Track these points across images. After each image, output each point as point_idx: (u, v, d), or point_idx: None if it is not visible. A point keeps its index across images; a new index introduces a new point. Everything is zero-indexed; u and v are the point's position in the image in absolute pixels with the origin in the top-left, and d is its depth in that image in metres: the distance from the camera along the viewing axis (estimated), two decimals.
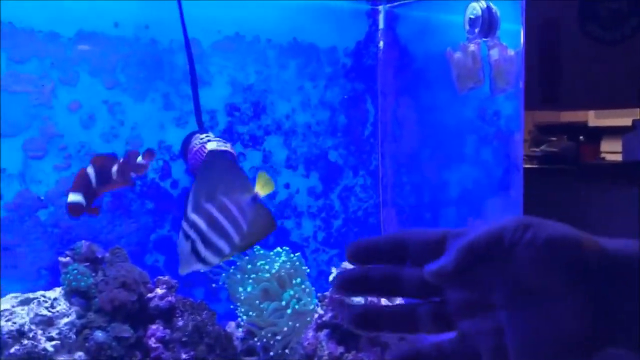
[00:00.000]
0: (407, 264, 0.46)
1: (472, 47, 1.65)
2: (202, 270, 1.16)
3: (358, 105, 1.94)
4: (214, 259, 1.10)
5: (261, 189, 1.16)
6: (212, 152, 1.16)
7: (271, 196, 1.82)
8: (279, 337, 1.44)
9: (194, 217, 1.07)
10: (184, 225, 1.06)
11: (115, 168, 1.35)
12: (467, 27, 1.63)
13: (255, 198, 1.14)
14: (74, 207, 1.30)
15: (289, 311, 1.45)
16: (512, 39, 1.60)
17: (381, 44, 1.99)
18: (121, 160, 1.37)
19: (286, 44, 1.81)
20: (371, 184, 1.97)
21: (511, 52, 1.62)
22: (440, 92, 1.94)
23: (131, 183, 1.43)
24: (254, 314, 1.46)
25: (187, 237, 1.07)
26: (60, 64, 1.51)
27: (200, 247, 1.08)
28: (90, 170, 1.32)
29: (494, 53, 1.63)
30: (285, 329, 1.44)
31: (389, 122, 1.99)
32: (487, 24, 1.60)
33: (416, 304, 0.45)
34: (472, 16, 1.62)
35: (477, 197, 1.96)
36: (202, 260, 1.09)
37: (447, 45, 1.70)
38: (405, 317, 0.45)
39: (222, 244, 1.09)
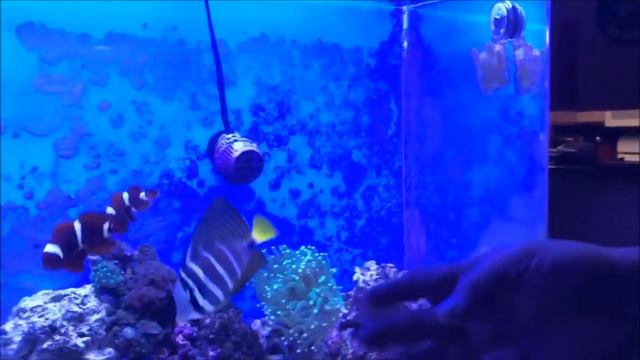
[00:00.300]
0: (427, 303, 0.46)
1: (497, 47, 1.65)
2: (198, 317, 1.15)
3: (382, 105, 1.95)
4: (210, 308, 1.08)
5: (259, 235, 1.12)
6: (218, 199, 1.13)
7: (295, 195, 1.83)
8: (305, 335, 1.44)
9: (192, 265, 1.05)
10: (182, 274, 1.05)
11: (106, 226, 1.27)
12: (493, 28, 1.63)
13: (252, 244, 1.11)
14: (48, 259, 1.20)
15: (315, 310, 1.45)
16: (536, 39, 1.60)
17: (405, 44, 2.00)
18: (113, 217, 1.29)
19: (311, 45, 1.82)
20: (394, 183, 1.98)
21: (536, 52, 1.61)
22: (463, 92, 1.94)
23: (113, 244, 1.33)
24: (282, 313, 1.47)
25: (186, 286, 1.06)
26: (91, 65, 1.54)
27: (199, 296, 1.06)
28: (76, 225, 1.22)
29: (520, 53, 1.63)
30: (312, 327, 1.45)
31: (412, 122, 2.00)
32: (512, 24, 1.60)
33: (441, 341, 0.46)
34: (497, 16, 1.62)
35: (500, 198, 1.96)
36: (199, 309, 1.07)
37: (471, 46, 1.70)
38: (435, 356, 0.46)
39: (217, 292, 1.07)
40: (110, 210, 1.43)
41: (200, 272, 1.05)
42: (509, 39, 1.61)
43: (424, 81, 1.99)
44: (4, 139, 1.46)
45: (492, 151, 1.98)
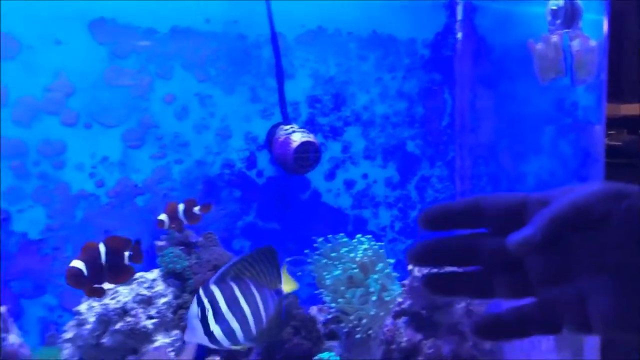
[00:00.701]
0: (482, 230, 0.44)
1: (554, 38, 1.65)
2: (210, 346, 1.11)
3: (436, 96, 1.96)
4: (224, 339, 1.06)
5: (286, 286, 1.14)
6: (269, 247, 1.14)
7: (350, 186, 1.86)
8: (365, 322, 1.48)
9: (214, 288, 1.05)
10: (201, 291, 1.05)
11: (127, 254, 1.26)
12: (549, 18, 1.63)
13: (279, 292, 1.12)
14: (72, 273, 1.18)
15: (374, 297, 1.49)
16: (593, 29, 1.59)
17: (459, 35, 2.00)
18: (133, 245, 1.28)
19: (366, 37, 1.84)
20: (448, 174, 1.99)
21: (593, 42, 1.60)
22: (517, 82, 1.94)
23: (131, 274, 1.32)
24: (342, 301, 1.51)
25: (199, 303, 1.06)
26: (157, 59, 1.60)
27: (211, 319, 1.05)
28: (101, 247, 1.22)
29: (576, 44, 1.62)
30: (372, 313, 1.48)
31: (466, 112, 2.00)
32: (569, 15, 1.60)
33: (493, 270, 0.44)
34: (554, 7, 1.61)
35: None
36: (210, 334, 1.06)
37: (526, 36, 1.69)
38: (482, 282, 0.44)
39: (236, 327, 1.07)
40: (163, 217, 1.48)
41: (221, 298, 1.06)
42: (566, 30, 1.60)
43: (478, 72, 1.99)
44: (77, 130, 1.53)
45: (546, 142, 1.98)
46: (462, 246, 0.44)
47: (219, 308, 1.05)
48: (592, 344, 1.66)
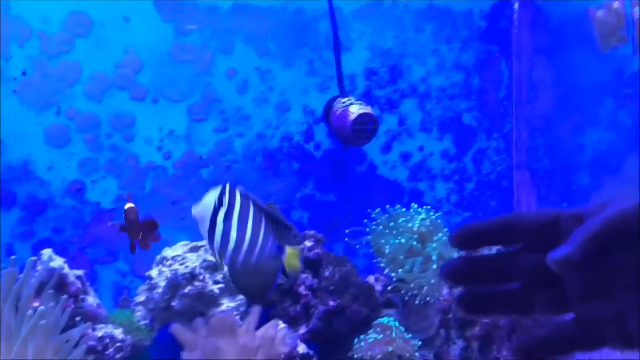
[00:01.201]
0: (517, 249, 0.43)
1: (615, 4, 1.62)
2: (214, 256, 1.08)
3: (492, 68, 1.95)
4: (217, 243, 1.04)
5: (288, 256, 1.10)
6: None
7: (406, 158, 1.88)
8: (425, 290, 1.51)
9: (238, 193, 1.04)
10: (226, 188, 1.03)
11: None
12: None
13: (281, 250, 1.08)
14: (133, 211, 1.19)
15: (434, 266, 1.51)
16: None
17: (516, 5, 1.98)
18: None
19: (423, 9, 1.85)
20: (505, 147, 1.99)
21: None
22: (576, 53, 1.91)
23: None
24: (402, 271, 1.54)
25: (220, 198, 1.03)
26: (219, 35, 1.65)
27: (220, 217, 1.03)
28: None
29: (638, 11, 1.59)
30: (433, 281, 1.50)
31: (523, 84, 1.99)
32: None
33: (529, 287, 0.43)
34: None
35: (613, 161, 1.92)
36: (212, 229, 1.03)
37: (584, 5, 1.67)
38: (518, 299, 0.43)
39: (232, 240, 1.04)
40: None
41: (238, 206, 1.04)
42: None
43: (536, 42, 1.97)
44: (145, 104, 1.60)
45: (605, 114, 1.94)
46: (497, 264, 0.43)
47: (232, 213, 1.03)
48: None
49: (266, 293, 1.17)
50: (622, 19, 1.62)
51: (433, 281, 1.52)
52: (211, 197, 1.03)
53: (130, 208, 1.18)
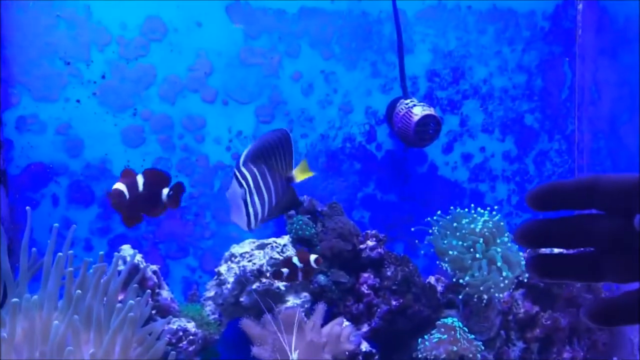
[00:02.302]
0: (593, 211, 0.42)
1: None
2: (245, 228, 1.15)
3: (555, 69, 1.94)
4: (253, 219, 1.12)
5: (299, 174, 1.17)
6: (286, 130, 1.18)
7: (467, 159, 1.89)
8: (492, 291, 1.51)
9: (245, 171, 1.09)
10: (238, 173, 1.09)
11: (165, 191, 1.24)
12: None
13: (290, 180, 1.16)
14: (115, 194, 1.17)
15: (499, 263, 1.52)
16: None
17: (580, 6, 1.96)
18: (174, 186, 1.25)
19: (485, 10, 1.85)
20: (567, 148, 1.97)
21: None
22: None
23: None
24: (465, 274, 1.55)
25: (241, 184, 1.10)
26: (286, 38, 1.69)
27: (249, 199, 1.10)
28: (139, 178, 1.21)
29: None
30: (500, 284, 1.51)
31: (586, 85, 1.97)
32: None
33: (604, 253, 0.42)
34: None
35: None
36: (248, 215, 1.11)
37: None
38: (592, 264, 0.42)
39: (258, 209, 1.12)
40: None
41: (250, 179, 1.11)
42: None
43: (600, 43, 1.95)
44: (215, 106, 1.66)
45: None
46: (572, 227, 0.42)
47: (252, 189, 1.11)
48: None
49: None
50: None
51: (500, 283, 1.52)
52: (237, 191, 1.11)
53: (115, 191, 1.18)
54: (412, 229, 1.68)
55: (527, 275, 1.69)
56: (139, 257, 1.37)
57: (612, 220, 0.41)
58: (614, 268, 0.42)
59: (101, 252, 1.17)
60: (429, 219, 1.65)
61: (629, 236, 0.40)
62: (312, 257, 1.39)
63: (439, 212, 1.67)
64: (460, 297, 1.61)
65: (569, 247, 0.42)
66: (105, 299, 1.14)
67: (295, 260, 1.39)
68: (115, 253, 1.21)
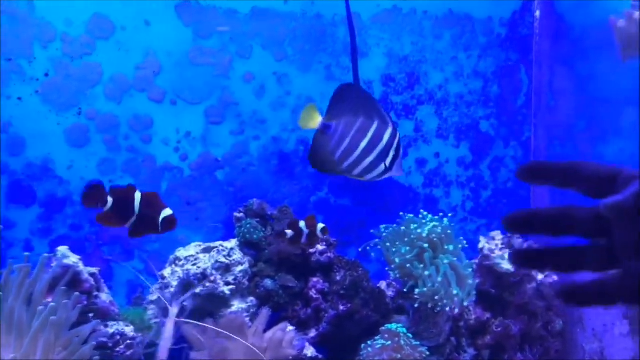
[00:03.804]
0: (575, 203, 0.46)
1: (637, 14, 1.59)
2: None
3: (512, 75, 1.94)
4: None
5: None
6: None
7: (422, 164, 1.88)
8: (437, 299, 1.50)
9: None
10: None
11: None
12: None
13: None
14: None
15: (442, 270, 1.51)
16: None
17: (537, 13, 1.96)
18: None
19: (442, 15, 1.84)
20: (523, 155, 1.97)
21: None
22: (598, 61, 1.88)
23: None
24: (414, 281, 1.54)
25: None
26: (237, 39, 1.67)
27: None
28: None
29: None
30: (444, 291, 1.50)
31: (543, 92, 1.97)
32: None
33: (581, 243, 0.46)
34: None
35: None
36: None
37: (607, 13, 1.65)
38: (570, 255, 0.46)
39: None
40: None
41: None
42: None
43: (556, 51, 1.95)
44: (163, 106, 1.63)
45: (626, 124, 1.92)
46: (556, 216, 0.46)
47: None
48: None
49: None
50: None
51: (448, 297, 1.51)
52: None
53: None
54: (360, 249, 1.67)
55: (476, 281, 1.68)
56: (74, 259, 1.34)
57: (589, 210, 0.45)
58: (592, 258, 0.45)
59: (27, 254, 1.14)
60: (383, 227, 1.64)
61: (604, 225, 0.44)
62: (320, 225, 1.40)
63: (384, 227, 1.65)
64: (415, 305, 1.60)
65: (553, 233, 0.46)
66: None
67: (302, 224, 1.42)
68: (44, 254, 1.17)
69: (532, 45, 1.97)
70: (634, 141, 1.90)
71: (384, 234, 1.64)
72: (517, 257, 0.47)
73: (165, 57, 1.62)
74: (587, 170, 0.46)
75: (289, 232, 1.42)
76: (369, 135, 1.08)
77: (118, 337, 1.39)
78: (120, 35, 1.58)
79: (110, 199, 1.18)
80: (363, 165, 1.09)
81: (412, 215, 1.63)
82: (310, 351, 1.55)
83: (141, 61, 1.60)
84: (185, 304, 1.52)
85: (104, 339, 1.37)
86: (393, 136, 1.09)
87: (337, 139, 1.07)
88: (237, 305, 1.55)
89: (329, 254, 1.65)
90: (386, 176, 1.14)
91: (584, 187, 0.46)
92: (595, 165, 0.46)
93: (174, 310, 1.36)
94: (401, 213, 1.65)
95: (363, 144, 1.09)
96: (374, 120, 1.08)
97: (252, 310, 1.55)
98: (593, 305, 0.46)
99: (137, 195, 1.21)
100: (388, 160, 1.11)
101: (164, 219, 1.23)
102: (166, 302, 1.36)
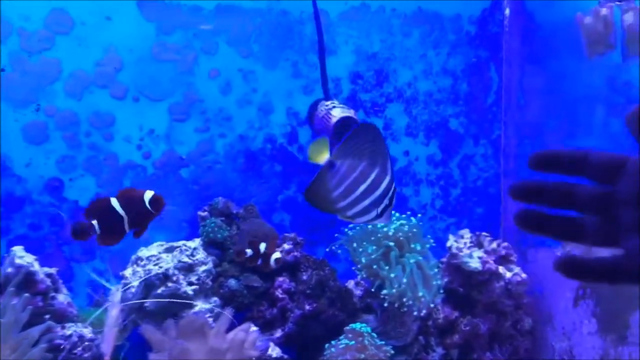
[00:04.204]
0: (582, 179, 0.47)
1: (604, 11, 1.59)
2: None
3: (481, 73, 1.93)
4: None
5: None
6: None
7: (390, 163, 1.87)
8: (404, 299, 1.49)
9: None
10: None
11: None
12: None
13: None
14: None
15: (408, 270, 1.50)
16: None
17: (507, 11, 1.96)
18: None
19: (410, 13, 1.83)
20: (492, 153, 1.97)
21: None
22: (567, 60, 1.88)
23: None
24: (381, 280, 1.53)
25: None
26: (202, 35, 1.64)
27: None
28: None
29: (628, 17, 1.57)
30: (410, 290, 1.49)
31: (513, 90, 1.97)
32: None
33: (585, 216, 0.46)
34: None
35: None
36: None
37: (576, 11, 1.65)
38: (572, 225, 0.46)
39: None
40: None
41: None
42: (617, 2, 1.55)
43: (526, 49, 1.95)
44: (125, 103, 1.60)
45: (597, 122, 1.92)
46: (560, 189, 0.46)
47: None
48: (635, 328, 1.62)
49: None
50: (610, 26, 1.60)
51: (410, 290, 1.50)
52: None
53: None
54: (327, 250, 1.65)
55: (445, 280, 1.67)
56: (29, 259, 1.31)
57: (596, 188, 0.46)
58: (594, 232, 0.46)
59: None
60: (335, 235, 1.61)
61: (611, 203, 0.45)
62: (275, 255, 1.36)
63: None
64: (385, 304, 1.58)
65: (558, 206, 0.46)
66: None
67: (262, 246, 1.38)
68: None
69: (502, 43, 1.96)
70: (605, 139, 1.90)
71: (350, 234, 1.62)
72: (522, 217, 0.47)
73: (127, 53, 1.59)
74: (596, 157, 0.46)
75: (249, 251, 1.39)
76: (369, 180, 1.10)
77: (75, 339, 1.36)
78: (80, 30, 1.55)
79: (94, 222, 1.15)
80: (357, 208, 1.11)
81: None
82: (275, 351, 1.53)
83: (102, 57, 1.57)
84: (147, 304, 1.50)
85: (61, 341, 1.34)
86: (389, 185, 1.11)
87: (339, 178, 1.08)
88: (200, 305, 1.53)
89: (295, 253, 1.63)
90: (375, 222, 1.15)
91: (593, 173, 0.46)
92: (603, 152, 0.46)
93: (117, 294, 1.33)
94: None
95: (362, 188, 1.10)
96: (376, 166, 1.10)
97: (215, 311, 1.53)
98: (592, 281, 0.46)
99: (114, 202, 1.17)
100: (380, 208, 1.13)
101: (151, 202, 1.20)
102: (105, 283, 1.33)
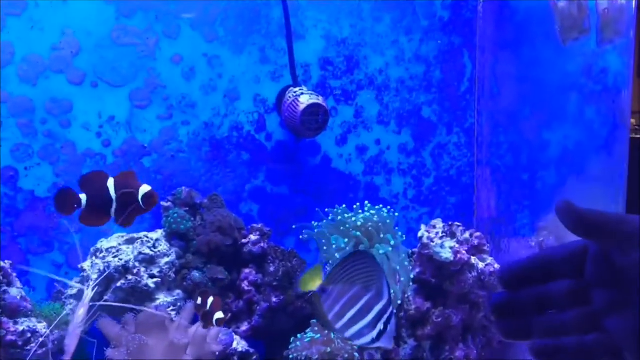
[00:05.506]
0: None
1: None
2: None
3: (455, 60, 1.89)
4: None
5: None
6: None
7: (362, 151, 1.83)
8: None
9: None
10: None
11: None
12: None
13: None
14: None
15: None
16: None
17: None
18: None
19: None
20: (466, 142, 1.93)
21: (622, 0, 1.52)
22: (542, 47, 1.85)
23: None
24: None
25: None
26: (164, 18, 1.58)
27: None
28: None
29: (603, 2, 1.54)
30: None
31: (486, 77, 1.93)
32: None
33: (564, 308, 0.49)
34: None
35: (579, 159, 1.87)
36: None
37: None
38: (555, 324, 0.49)
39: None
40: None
41: None
42: None
43: (500, 35, 1.91)
44: (83, 89, 1.53)
45: (571, 109, 1.89)
46: (537, 297, 0.49)
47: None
48: None
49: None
50: (585, 10, 1.57)
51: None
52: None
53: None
54: (294, 227, 1.60)
55: (416, 271, 1.64)
56: None
57: (566, 284, 0.48)
58: (574, 323, 0.48)
59: None
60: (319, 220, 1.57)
61: (581, 295, 0.48)
62: (218, 314, 1.30)
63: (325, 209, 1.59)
64: None
65: (536, 314, 0.49)
66: None
67: (210, 300, 1.30)
68: None
69: (476, 29, 1.92)
70: (579, 128, 1.87)
71: (316, 230, 1.57)
72: (508, 332, 0.50)
73: (84, 36, 1.52)
74: (559, 255, 0.49)
75: (199, 300, 1.31)
76: (359, 305, 1.09)
77: (29, 335, 1.30)
78: (34, 12, 1.47)
79: (83, 196, 1.08)
80: (352, 331, 1.10)
81: (344, 206, 1.56)
82: (241, 345, 1.49)
83: (57, 41, 1.50)
84: (106, 297, 1.44)
85: (13, 337, 1.28)
86: (384, 309, 1.09)
87: (330, 303, 1.07)
88: (162, 299, 1.47)
89: (262, 244, 1.58)
90: (374, 346, 1.12)
91: (561, 271, 0.49)
92: (564, 248, 0.49)
93: (88, 293, 1.27)
94: (337, 205, 1.58)
95: (351, 313, 1.08)
96: (370, 291, 1.08)
97: (179, 304, 1.48)
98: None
99: (110, 183, 1.11)
100: (375, 332, 1.10)
101: (144, 196, 1.13)
102: (70, 283, 1.27)
